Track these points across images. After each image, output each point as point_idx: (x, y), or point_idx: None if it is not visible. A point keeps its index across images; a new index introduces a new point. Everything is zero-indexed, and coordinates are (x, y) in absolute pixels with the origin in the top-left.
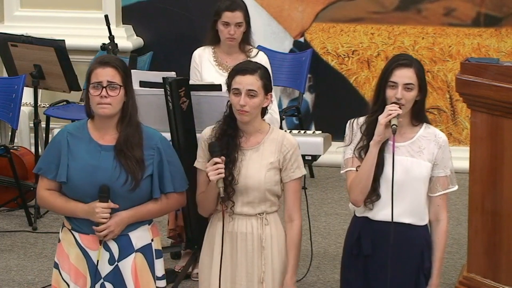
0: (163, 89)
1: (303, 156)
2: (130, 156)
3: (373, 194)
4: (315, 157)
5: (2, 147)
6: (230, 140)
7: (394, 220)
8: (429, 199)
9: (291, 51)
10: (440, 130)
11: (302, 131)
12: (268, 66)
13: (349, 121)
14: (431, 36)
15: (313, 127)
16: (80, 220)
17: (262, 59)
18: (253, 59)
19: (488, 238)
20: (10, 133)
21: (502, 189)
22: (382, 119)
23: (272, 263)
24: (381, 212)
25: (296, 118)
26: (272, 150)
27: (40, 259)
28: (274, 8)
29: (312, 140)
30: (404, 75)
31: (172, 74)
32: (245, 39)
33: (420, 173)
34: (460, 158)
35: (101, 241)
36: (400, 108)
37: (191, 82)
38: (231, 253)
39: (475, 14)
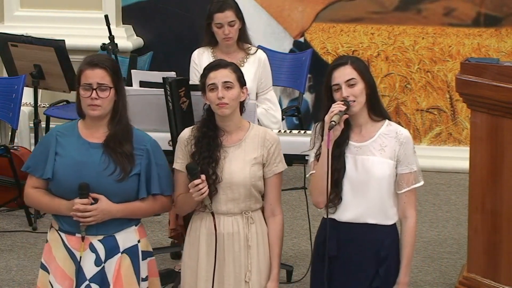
0: (163, 89)
1: (304, 156)
2: (120, 151)
3: (335, 198)
4: None
5: (2, 147)
6: (211, 141)
7: (360, 221)
8: (397, 197)
9: (291, 51)
10: (440, 130)
11: (302, 131)
12: (266, 63)
13: (314, 125)
14: (431, 36)
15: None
16: (67, 220)
17: (261, 56)
18: (252, 56)
19: (488, 238)
20: (10, 133)
21: (502, 189)
22: (326, 117)
23: (258, 261)
24: (346, 214)
25: (296, 118)
26: (255, 146)
27: (40, 259)
28: (274, 8)
29: None
30: (342, 74)
31: (172, 74)
32: (242, 36)
33: (382, 171)
34: (460, 158)
35: (83, 237)
36: (346, 105)
37: (190, 82)
38: (217, 254)
39: (475, 14)
